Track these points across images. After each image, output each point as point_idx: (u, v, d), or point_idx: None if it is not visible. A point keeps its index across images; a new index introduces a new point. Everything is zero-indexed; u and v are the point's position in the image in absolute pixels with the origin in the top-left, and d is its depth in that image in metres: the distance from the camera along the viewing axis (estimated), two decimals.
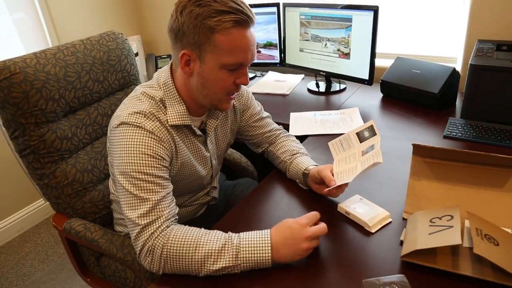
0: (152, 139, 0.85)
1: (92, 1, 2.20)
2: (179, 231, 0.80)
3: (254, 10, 1.84)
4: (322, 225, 0.81)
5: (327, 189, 0.94)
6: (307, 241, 0.78)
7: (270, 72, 2.08)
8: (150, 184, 0.83)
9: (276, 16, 1.83)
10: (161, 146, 0.87)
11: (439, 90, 1.40)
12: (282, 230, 0.79)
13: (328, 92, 1.76)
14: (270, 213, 1.00)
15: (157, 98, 0.90)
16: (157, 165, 0.85)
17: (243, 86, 1.13)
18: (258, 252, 0.77)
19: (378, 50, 1.84)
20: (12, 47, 1.97)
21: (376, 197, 1.01)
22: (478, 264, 0.75)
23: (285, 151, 1.13)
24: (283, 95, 1.78)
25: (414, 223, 0.86)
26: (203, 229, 0.82)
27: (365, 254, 0.83)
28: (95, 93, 1.21)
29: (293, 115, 1.54)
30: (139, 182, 0.82)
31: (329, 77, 1.81)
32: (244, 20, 0.80)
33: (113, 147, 0.87)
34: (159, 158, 0.86)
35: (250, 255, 0.77)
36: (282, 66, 1.93)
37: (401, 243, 0.85)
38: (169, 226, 0.82)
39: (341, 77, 1.70)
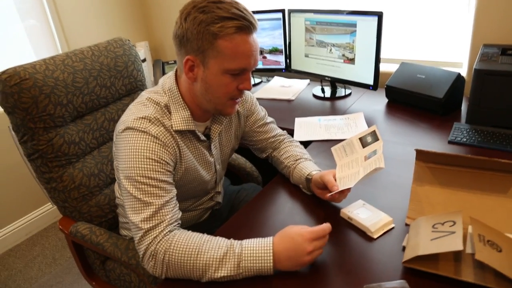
0: (157, 144, 0.87)
1: (101, 9, 2.25)
2: (181, 237, 0.81)
3: (259, 16, 1.88)
4: (324, 239, 0.81)
5: (330, 194, 0.94)
6: (309, 255, 0.78)
7: (275, 78, 2.09)
8: (154, 188, 0.84)
9: (281, 22, 1.85)
10: (166, 151, 0.88)
11: (444, 95, 1.39)
12: (285, 241, 0.78)
13: (333, 97, 1.76)
14: (274, 218, 1.00)
15: (162, 104, 0.92)
16: (161, 170, 0.86)
17: (247, 92, 1.14)
18: (260, 261, 0.77)
19: (383, 55, 1.84)
20: (24, 53, 2.02)
21: (379, 202, 1.00)
22: (480, 270, 0.75)
23: (288, 156, 1.14)
24: (289, 101, 1.79)
25: (417, 228, 0.85)
26: (205, 235, 0.83)
27: (367, 260, 0.83)
28: (102, 98, 1.24)
29: (298, 120, 1.54)
30: (143, 186, 0.84)
31: (334, 82, 1.81)
32: (246, 26, 0.81)
33: (119, 152, 0.89)
34: (163, 162, 0.87)
35: (252, 265, 0.77)
36: (288, 71, 1.95)
37: (403, 248, 0.85)
38: (172, 231, 0.83)
39: (346, 82, 1.70)
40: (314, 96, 1.80)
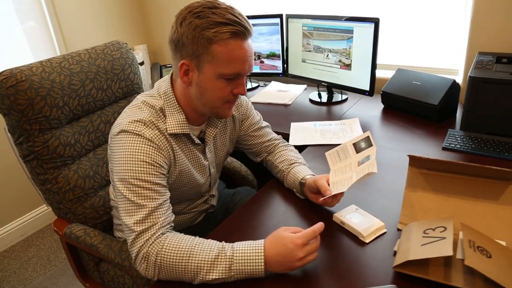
0: (151, 147, 0.87)
1: (100, 11, 2.26)
2: (173, 239, 0.82)
3: (257, 21, 1.89)
4: (316, 242, 0.81)
5: (322, 198, 0.95)
6: (300, 261, 0.78)
7: (273, 82, 2.10)
8: (147, 191, 0.85)
9: (279, 27, 1.86)
10: (160, 154, 0.88)
11: (439, 102, 1.40)
12: (276, 246, 0.78)
13: (329, 102, 1.77)
14: (267, 221, 1.01)
15: (157, 107, 0.92)
16: (155, 173, 0.87)
17: (243, 96, 1.15)
18: (251, 264, 0.78)
19: (380, 61, 1.86)
20: (22, 55, 2.02)
21: (372, 207, 1.01)
22: (470, 276, 0.75)
23: (283, 160, 1.14)
24: (285, 105, 1.80)
25: (408, 234, 0.86)
26: (197, 237, 0.84)
27: (359, 264, 0.84)
28: (98, 101, 1.24)
29: (293, 125, 1.55)
30: (137, 188, 0.84)
31: (331, 87, 1.83)
32: (241, 32, 0.82)
33: (113, 154, 0.89)
34: (157, 165, 0.87)
35: (243, 267, 0.78)
36: (285, 76, 1.96)
37: (395, 253, 0.85)
38: (164, 234, 0.83)
39: (343, 88, 1.71)
40: (311, 101, 1.81)
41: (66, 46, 2.13)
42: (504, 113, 1.23)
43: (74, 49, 1.96)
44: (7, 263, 2.00)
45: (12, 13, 1.96)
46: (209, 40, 0.81)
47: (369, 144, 0.98)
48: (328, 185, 0.96)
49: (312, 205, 1.04)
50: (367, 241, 0.90)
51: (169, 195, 0.91)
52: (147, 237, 0.81)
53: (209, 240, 0.83)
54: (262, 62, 1.98)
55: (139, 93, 1.37)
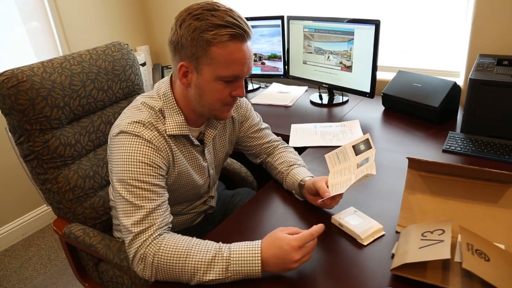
0: (150, 148, 0.87)
1: (102, 12, 2.27)
2: (170, 240, 0.82)
3: (259, 22, 1.90)
4: (312, 245, 0.80)
5: (321, 200, 0.95)
6: (296, 263, 0.77)
7: (274, 84, 2.10)
8: (146, 192, 0.85)
9: (280, 28, 1.86)
10: (158, 155, 0.89)
11: (439, 104, 1.40)
12: (273, 247, 0.78)
13: (330, 104, 1.77)
14: (265, 222, 1.01)
15: (157, 108, 0.92)
16: (154, 174, 0.87)
17: (242, 98, 1.15)
18: (248, 265, 0.78)
19: (381, 63, 1.86)
20: (25, 56, 2.04)
21: (371, 209, 1.01)
22: (468, 279, 0.75)
23: (282, 162, 1.14)
24: (286, 107, 1.80)
25: (406, 236, 0.86)
26: (194, 238, 0.84)
27: (356, 266, 0.84)
28: (99, 101, 1.25)
29: (294, 127, 1.55)
30: (135, 189, 0.84)
31: (332, 89, 1.83)
32: (240, 34, 0.82)
33: (112, 155, 0.90)
34: (156, 166, 0.88)
35: (240, 268, 0.78)
36: (286, 78, 1.96)
37: (393, 256, 0.85)
38: (162, 235, 0.83)
39: (343, 90, 1.71)
40: (312, 102, 1.81)
41: (69, 47, 2.14)
42: (505, 115, 1.23)
43: (76, 50, 1.96)
44: (7, 262, 2.01)
45: (15, 14, 1.97)
46: (208, 42, 0.81)
47: (369, 146, 0.98)
48: (327, 187, 0.96)
49: (311, 207, 1.04)
50: (365, 243, 0.90)
51: (168, 196, 0.91)
52: (144, 238, 0.82)
53: (206, 241, 0.83)
54: (263, 63, 1.98)
55: (140, 93, 1.37)
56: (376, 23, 1.47)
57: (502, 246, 0.84)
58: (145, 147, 0.87)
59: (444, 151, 1.26)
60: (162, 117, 0.93)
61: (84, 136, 1.21)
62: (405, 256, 0.78)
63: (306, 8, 2.06)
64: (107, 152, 1.20)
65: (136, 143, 0.86)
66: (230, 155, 1.41)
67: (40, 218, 2.25)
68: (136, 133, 0.87)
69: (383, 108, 1.66)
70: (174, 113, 0.93)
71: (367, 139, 0.99)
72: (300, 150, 1.37)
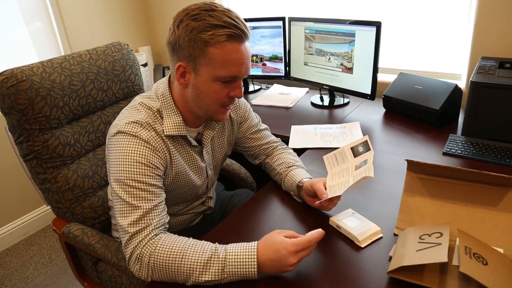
0: (147, 148, 0.87)
1: (104, 13, 2.28)
2: (167, 241, 0.81)
3: (260, 23, 1.89)
4: (310, 249, 0.80)
5: (318, 201, 0.94)
6: (292, 266, 0.77)
7: (275, 85, 2.10)
8: (142, 192, 0.85)
9: (281, 30, 1.86)
10: (156, 155, 0.89)
11: (440, 106, 1.39)
12: (269, 250, 0.78)
13: (331, 106, 1.77)
14: (263, 224, 1.01)
15: (154, 109, 0.93)
16: (151, 174, 0.87)
17: (241, 99, 1.15)
18: (244, 267, 0.77)
19: (382, 65, 1.85)
20: (27, 56, 2.05)
21: (369, 211, 1.00)
22: (465, 283, 0.74)
23: (281, 163, 1.14)
24: (286, 108, 1.79)
25: (404, 239, 0.85)
26: (191, 239, 0.83)
27: (353, 269, 0.83)
28: (99, 101, 1.25)
29: (294, 128, 1.55)
30: (132, 189, 0.84)
31: (333, 91, 1.82)
32: (238, 35, 0.82)
33: (110, 155, 0.90)
34: (153, 167, 0.88)
35: (236, 270, 0.78)
36: (287, 79, 1.96)
37: (390, 258, 0.84)
38: (158, 235, 0.83)
39: (344, 91, 1.71)
40: (312, 104, 1.81)
41: (71, 48, 2.15)
42: (506, 118, 1.22)
43: (78, 50, 1.98)
44: (9, 261, 2.02)
45: (17, 14, 1.99)
46: (205, 42, 0.81)
47: (367, 148, 0.98)
48: (325, 188, 0.96)
49: (309, 209, 1.04)
50: (362, 245, 0.89)
51: (165, 197, 0.91)
52: (140, 238, 0.82)
53: (203, 241, 0.83)
54: (264, 64, 1.98)
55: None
56: (377, 25, 1.47)
57: (501, 250, 0.83)
58: (142, 147, 0.87)
59: (444, 153, 1.25)
60: (160, 118, 0.93)
61: (83, 136, 1.21)
62: (402, 258, 0.78)
63: (307, 9, 2.06)
64: (106, 152, 1.21)
65: (133, 143, 0.86)
66: (229, 156, 1.41)
67: (42, 218, 2.26)
68: (134, 133, 0.87)
69: (384, 110, 1.65)
70: (172, 114, 0.93)
71: (366, 141, 0.98)
72: (299, 151, 1.37)
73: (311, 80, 1.83)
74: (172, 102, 0.94)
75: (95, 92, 1.23)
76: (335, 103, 1.78)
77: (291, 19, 1.81)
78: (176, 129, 0.93)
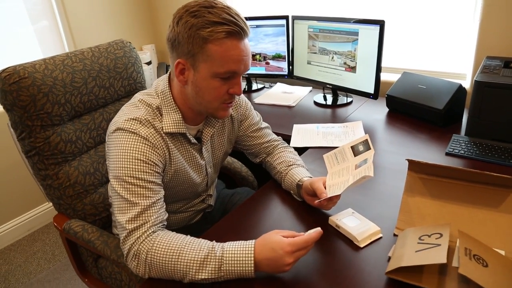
0: (146, 145, 0.87)
1: (109, 11, 2.29)
2: (164, 238, 0.81)
3: (263, 22, 1.89)
4: (307, 249, 0.79)
5: (318, 200, 0.94)
6: (289, 266, 0.76)
7: (278, 84, 2.10)
8: (141, 189, 0.85)
9: (285, 28, 1.85)
10: (154, 152, 0.89)
11: (444, 106, 1.38)
12: (265, 249, 0.77)
13: (334, 105, 1.76)
14: (262, 222, 1.00)
15: (154, 106, 0.93)
16: (149, 171, 0.87)
17: (242, 97, 1.15)
18: (241, 265, 0.77)
19: (386, 64, 1.84)
20: (33, 55, 2.07)
21: (370, 211, 0.99)
22: (465, 285, 0.73)
23: (281, 162, 1.13)
24: (289, 107, 1.79)
25: (404, 239, 0.84)
26: (188, 236, 0.83)
27: (352, 269, 0.82)
28: (100, 98, 1.26)
29: (296, 127, 1.54)
30: (130, 186, 0.84)
31: (336, 90, 1.81)
32: (237, 32, 0.82)
33: (109, 152, 0.90)
34: (152, 164, 0.88)
35: (233, 268, 0.77)
36: (290, 78, 1.95)
37: (389, 259, 0.84)
38: (156, 232, 0.83)
39: (347, 91, 1.70)
40: (315, 103, 1.80)
41: (76, 46, 2.16)
42: (510, 119, 1.20)
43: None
44: (13, 256, 2.04)
45: (24, 14, 2.00)
46: (204, 39, 0.81)
47: (367, 148, 0.97)
48: (325, 187, 0.95)
49: (309, 208, 1.03)
50: (361, 245, 0.88)
51: (163, 194, 0.91)
52: (138, 235, 0.82)
53: (200, 239, 0.83)
54: (267, 63, 1.98)
55: None
56: (381, 24, 1.46)
57: (502, 252, 0.82)
58: (141, 144, 0.87)
59: (447, 154, 1.24)
60: (159, 115, 0.93)
61: (85, 133, 1.22)
62: (401, 259, 0.77)
63: (311, 8, 2.05)
64: (105, 149, 1.21)
65: (132, 140, 0.87)
66: (231, 154, 1.41)
67: (46, 214, 2.28)
68: (133, 130, 0.87)
69: (387, 109, 1.64)
70: (172, 111, 0.93)
71: (366, 140, 0.97)
72: (301, 150, 1.36)
73: (314, 79, 1.82)
74: (172, 100, 0.94)
75: (97, 89, 1.24)
76: (338, 102, 1.77)
77: (295, 18, 1.80)
78: (175, 127, 0.93)
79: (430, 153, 1.26)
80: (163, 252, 0.79)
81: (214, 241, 0.82)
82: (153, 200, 0.86)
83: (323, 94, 1.86)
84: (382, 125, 1.51)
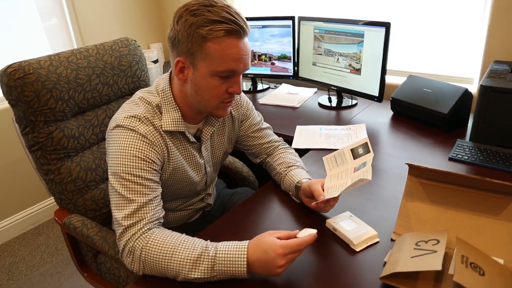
0: (144, 143, 0.88)
1: (117, 10, 2.31)
2: (159, 236, 0.82)
3: (270, 22, 1.89)
4: (299, 252, 0.78)
5: (315, 202, 0.93)
6: (281, 268, 0.76)
7: (283, 85, 2.09)
8: (138, 186, 0.85)
9: (291, 29, 1.85)
10: (153, 150, 0.89)
11: (448, 110, 1.36)
12: (258, 251, 0.77)
13: (338, 107, 1.75)
14: (259, 223, 1.00)
15: (154, 104, 0.93)
16: (147, 168, 0.88)
17: (243, 97, 1.15)
18: (234, 266, 0.77)
19: (392, 67, 1.82)
20: (42, 51, 2.09)
21: (368, 215, 0.99)
22: None
23: (281, 163, 1.13)
24: (293, 108, 1.78)
25: (400, 245, 0.83)
26: (183, 235, 0.84)
27: (346, 273, 0.82)
28: (104, 95, 1.27)
29: (299, 128, 1.54)
30: (127, 183, 0.85)
31: (340, 92, 1.80)
32: (236, 30, 0.82)
33: (108, 148, 0.91)
34: (150, 161, 0.88)
35: (225, 268, 0.77)
36: (295, 79, 1.94)
37: (385, 264, 0.83)
38: (151, 229, 0.84)
39: (352, 93, 1.68)
40: (320, 104, 1.79)
41: (84, 43, 2.19)
42: None
43: None
44: (17, 249, 2.07)
45: (34, 12, 2.03)
46: (203, 38, 0.81)
47: (367, 151, 0.96)
48: (323, 190, 0.95)
49: (306, 210, 1.02)
50: (357, 249, 0.88)
51: (161, 191, 0.91)
52: (133, 232, 0.82)
53: (195, 238, 0.83)
54: (273, 63, 1.97)
55: None
56: (387, 26, 1.44)
57: (501, 261, 0.80)
58: (139, 141, 0.87)
59: (450, 159, 1.22)
60: (159, 113, 0.93)
61: (88, 129, 1.23)
62: (396, 264, 0.76)
63: (317, 9, 2.04)
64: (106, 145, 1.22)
65: (130, 137, 0.87)
66: (232, 154, 1.41)
67: (51, 208, 2.31)
68: (132, 128, 0.88)
69: (391, 113, 1.62)
70: (171, 109, 0.94)
71: (366, 143, 0.96)
72: (303, 151, 1.36)
73: (319, 81, 1.81)
74: (172, 98, 0.94)
75: (100, 86, 1.25)
76: (343, 104, 1.76)
77: (301, 19, 1.79)
78: (174, 125, 0.93)
79: (433, 158, 1.24)
80: (157, 250, 0.79)
81: (208, 240, 0.82)
82: (149, 198, 0.86)
83: (328, 96, 1.85)
84: (386, 128, 1.50)
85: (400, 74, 1.82)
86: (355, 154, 0.97)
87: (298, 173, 1.07)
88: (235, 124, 1.13)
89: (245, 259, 0.76)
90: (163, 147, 0.93)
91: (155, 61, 2.31)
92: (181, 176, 1.00)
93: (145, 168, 0.87)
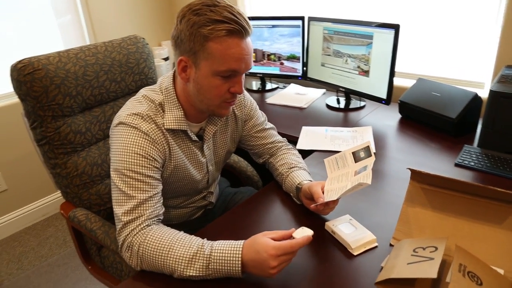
0: (146, 140, 0.89)
1: (129, 7, 2.34)
2: (157, 232, 0.83)
3: (279, 22, 1.88)
4: (292, 254, 0.78)
5: (314, 204, 0.93)
6: (274, 269, 0.76)
7: (292, 85, 2.09)
8: (138, 183, 0.87)
9: (300, 29, 1.84)
10: (154, 148, 0.90)
11: (457, 115, 1.33)
12: (251, 251, 0.77)
13: (346, 108, 1.74)
14: (259, 223, 1.00)
15: (157, 102, 0.94)
16: (148, 165, 0.89)
17: (247, 96, 1.15)
18: (229, 265, 0.77)
19: (401, 69, 1.80)
20: (55, 48, 2.13)
21: (368, 219, 0.98)
22: None
23: (283, 163, 1.13)
24: (300, 108, 1.78)
25: (398, 250, 0.82)
26: (181, 232, 0.84)
27: (342, 276, 0.81)
28: (111, 92, 1.29)
29: (304, 129, 1.53)
30: (128, 179, 0.86)
31: (349, 93, 1.78)
32: (237, 30, 0.82)
33: (111, 145, 0.93)
34: (151, 158, 0.89)
35: (220, 267, 0.78)
36: (304, 79, 1.93)
37: (382, 269, 0.82)
38: (150, 226, 0.85)
39: (360, 95, 1.67)
40: (328, 106, 1.78)
41: (96, 40, 2.23)
42: None
43: None
44: (27, 239, 2.12)
45: (49, 9, 2.08)
46: (205, 37, 0.82)
47: (368, 154, 0.95)
48: (323, 192, 0.94)
49: (307, 211, 1.02)
50: (355, 253, 0.87)
51: (161, 188, 0.93)
52: (132, 227, 0.84)
53: (192, 236, 0.84)
54: (282, 63, 1.97)
55: None
56: (396, 28, 1.42)
57: (501, 271, 0.79)
58: (141, 139, 0.89)
59: (456, 165, 1.20)
60: (161, 111, 0.94)
61: (94, 125, 1.25)
62: (392, 270, 0.75)
63: (326, 9, 2.02)
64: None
65: (133, 134, 0.88)
66: (237, 153, 1.41)
67: (60, 201, 2.35)
68: (134, 125, 0.89)
69: (399, 116, 1.60)
70: (174, 108, 0.94)
71: (368, 146, 0.96)
72: (307, 153, 1.35)
73: (328, 82, 1.80)
74: (175, 96, 0.95)
75: (108, 83, 1.27)
76: (351, 106, 1.74)
77: (311, 19, 1.78)
78: (177, 123, 0.94)
79: (439, 163, 1.22)
80: (154, 246, 0.81)
81: (205, 239, 0.83)
82: (149, 194, 0.87)
83: (336, 97, 1.84)
84: (393, 132, 1.48)
85: (409, 76, 1.80)
86: (356, 157, 0.97)
87: (300, 175, 1.07)
88: (239, 123, 1.13)
89: (239, 259, 0.77)
90: (165, 145, 0.94)
91: (166, 59, 2.33)
92: (183, 174, 1.01)
93: (146, 165, 0.88)
